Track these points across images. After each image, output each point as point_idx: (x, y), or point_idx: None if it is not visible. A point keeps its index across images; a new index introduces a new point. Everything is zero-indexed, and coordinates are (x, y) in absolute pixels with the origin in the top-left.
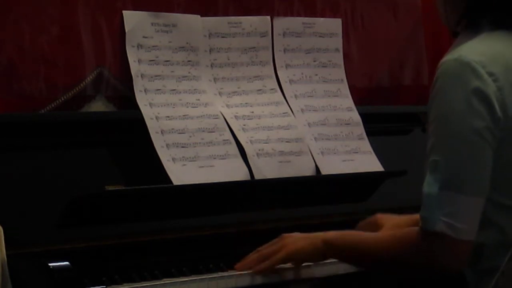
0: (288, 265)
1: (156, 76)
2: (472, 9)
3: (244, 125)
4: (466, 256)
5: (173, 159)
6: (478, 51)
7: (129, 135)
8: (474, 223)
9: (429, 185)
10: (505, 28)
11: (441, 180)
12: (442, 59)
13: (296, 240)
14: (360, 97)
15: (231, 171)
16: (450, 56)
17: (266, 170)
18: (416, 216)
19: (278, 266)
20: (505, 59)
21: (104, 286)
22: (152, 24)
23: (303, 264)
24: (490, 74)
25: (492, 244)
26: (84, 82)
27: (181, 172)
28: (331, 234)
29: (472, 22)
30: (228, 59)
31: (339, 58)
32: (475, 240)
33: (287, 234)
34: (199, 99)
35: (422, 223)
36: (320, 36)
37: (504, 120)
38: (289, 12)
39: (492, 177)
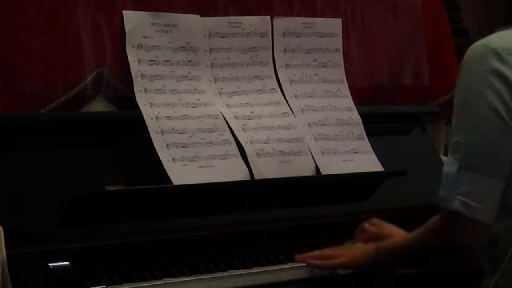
0: (288, 265)
1: (156, 76)
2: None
3: (244, 125)
4: (481, 238)
5: (173, 159)
6: (506, 39)
7: (129, 135)
8: (490, 205)
9: (449, 165)
10: None
11: (460, 159)
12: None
13: (353, 250)
14: (360, 97)
15: (231, 171)
16: (478, 42)
17: (266, 170)
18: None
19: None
20: None
21: (104, 286)
22: (152, 24)
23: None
24: None
25: (509, 232)
26: (84, 82)
27: (181, 172)
28: (382, 244)
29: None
30: (228, 59)
31: (339, 58)
32: (495, 229)
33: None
34: (199, 99)
35: (440, 201)
36: (320, 36)
37: None
38: (289, 12)
39: None
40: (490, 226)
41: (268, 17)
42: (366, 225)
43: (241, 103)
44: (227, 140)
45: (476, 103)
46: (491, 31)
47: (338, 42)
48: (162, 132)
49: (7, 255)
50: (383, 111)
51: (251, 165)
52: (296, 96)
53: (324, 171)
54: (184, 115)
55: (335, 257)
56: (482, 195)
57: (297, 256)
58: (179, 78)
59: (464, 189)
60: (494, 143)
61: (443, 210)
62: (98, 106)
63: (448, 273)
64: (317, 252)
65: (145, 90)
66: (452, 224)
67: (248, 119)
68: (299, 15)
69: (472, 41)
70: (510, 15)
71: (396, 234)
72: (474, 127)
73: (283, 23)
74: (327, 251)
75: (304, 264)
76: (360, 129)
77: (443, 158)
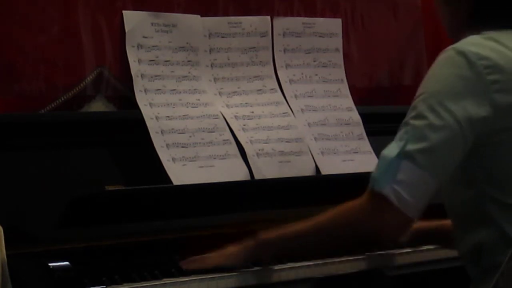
0: (288, 265)
1: (156, 76)
2: (477, 12)
3: (244, 125)
4: (401, 231)
5: (173, 159)
6: (478, 44)
7: (129, 135)
8: (420, 201)
9: (390, 149)
10: (507, 28)
11: (404, 148)
12: None
13: (230, 247)
14: (360, 97)
15: (231, 171)
16: (449, 47)
17: (266, 170)
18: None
19: (277, 267)
20: (505, 56)
21: (104, 286)
22: (152, 24)
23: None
24: (485, 67)
25: (492, 242)
26: (84, 82)
27: (181, 172)
28: (264, 234)
29: (476, 24)
30: (228, 59)
31: (339, 58)
32: (474, 238)
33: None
34: (199, 99)
35: (372, 182)
36: (320, 36)
37: (495, 117)
38: (289, 12)
39: (493, 175)
40: (412, 222)
41: (268, 17)
42: None
43: (241, 103)
44: (227, 140)
45: (435, 102)
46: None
47: (338, 42)
48: (162, 132)
49: (7, 255)
50: (383, 111)
51: (251, 165)
52: (296, 96)
53: (324, 171)
54: (184, 115)
55: (210, 257)
56: (414, 188)
57: (182, 263)
58: (179, 78)
59: (400, 177)
60: (443, 144)
61: (372, 191)
62: (98, 106)
63: (445, 273)
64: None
65: (145, 90)
66: (377, 206)
67: (248, 119)
68: (299, 15)
69: None
70: (469, 21)
71: None
72: (425, 123)
73: (283, 23)
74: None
75: (301, 264)
76: (360, 129)
77: None
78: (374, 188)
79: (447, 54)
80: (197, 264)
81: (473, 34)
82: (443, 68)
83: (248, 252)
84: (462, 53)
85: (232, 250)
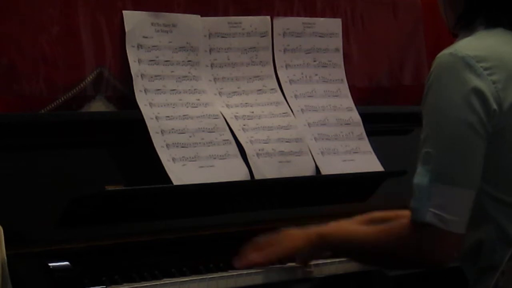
0: (288, 265)
1: (156, 76)
2: (469, 9)
3: (244, 125)
4: (455, 249)
5: (173, 159)
6: (473, 46)
7: (129, 135)
8: (464, 216)
9: (420, 176)
10: (500, 26)
11: (432, 171)
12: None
13: (292, 234)
14: (360, 97)
15: (231, 171)
16: (445, 51)
17: (266, 170)
18: (386, 224)
19: (277, 267)
20: (500, 54)
21: (104, 286)
22: (152, 24)
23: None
24: (485, 69)
25: (491, 241)
26: (84, 82)
27: (181, 172)
28: (326, 228)
29: (468, 22)
30: (228, 59)
31: (339, 58)
32: (473, 236)
33: (285, 230)
34: (199, 99)
35: (412, 214)
36: (320, 36)
37: (499, 115)
38: (289, 12)
39: (491, 173)
40: (462, 236)
41: (268, 17)
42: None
43: (241, 103)
44: (227, 140)
45: (451, 117)
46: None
47: (338, 42)
48: (162, 132)
49: (7, 255)
50: (383, 111)
51: (251, 165)
52: (296, 96)
53: (324, 171)
54: (184, 115)
55: (273, 245)
56: (455, 207)
57: (238, 263)
58: (179, 78)
59: (436, 202)
60: (467, 156)
61: (415, 223)
62: (98, 106)
63: (445, 273)
64: (250, 248)
65: (145, 90)
66: (424, 236)
67: (248, 119)
68: (299, 15)
69: None
70: (463, 18)
71: None
72: (447, 141)
73: (283, 23)
74: (261, 241)
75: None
76: (360, 129)
77: None
78: (417, 219)
79: (446, 60)
80: (266, 255)
81: (466, 32)
82: (447, 76)
83: (312, 244)
84: (461, 58)
85: (297, 240)
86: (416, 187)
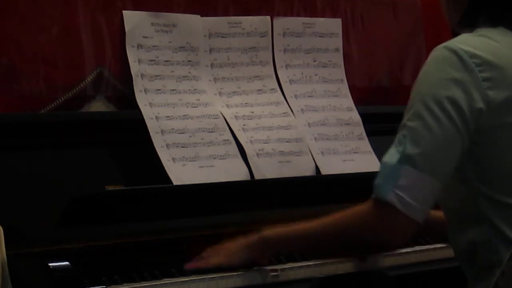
0: (288, 265)
1: (156, 76)
2: (473, 7)
3: (244, 125)
4: (407, 234)
5: (173, 159)
6: (469, 42)
7: (129, 135)
8: (425, 205)
9: (390, 156)
10: (500, 25)
11: (404, 153)
12: None
13: (231, 244)
14: (360, 97)
15: (231, 171)
16: (440, 45)
17: (266, 170)
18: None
19: (277, 267)
20: (496, 53)
21: (104, 286)
22: (152, 24)
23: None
24: (477, 65)
25: (487, 241)
26: (84, 82)
27: (181, 172)
28: (269, 230)
29: (471, 21)
30: (228, 59)
31: (339, 58)
32: (469, 236)
33: (228, 241)
34: (199, 99)
35: (375, 190)
36: (320, 36)
37: (488, 113)
38: (289, 12)
39: (485, 173)
40: (418, 224)
41: (268, 17)
42: None
43: (241, 103)
44: (227, 140)
45: (429, 103)
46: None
47: (338, 42)
48: (162, 132)
49: (7, 255)
50: (383, 111)
51: (251, 165)
52: (296, 96)
53: (324, 171)
54: (184, 115)
55: (211, 257)
56: (418, 192)
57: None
58: (179, 78)
59: (402, 183)
60: (442, 145)
61: (376, 199)
62: (98, 106)
63: (445, 273)
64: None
65: (145, 90)
66: (382, 214)
67: (248, 119)
68: (299, 15)
69: None
70: (465, 17)
71: None
72: (422, 125)
73: (283, 23)
74: (206, 252)
75: (301, 264)
76: (360, 129)
77: None
78: (378, 196)
79: (439, 53)
80: (200, 264)
81: (467, 31)
82: (436, 66)
83: (251, 250)
84: (453, 51)
85: (234, 248)
86: (383, 165)
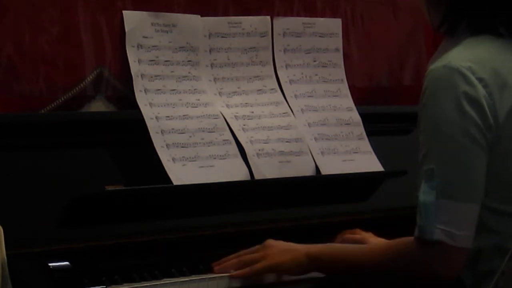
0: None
1: (156, 76)
2: (452, 12)
3: (244, 125)
4: (463, 263)
5: (173, 159)
6: (466, 57)
7: (129, 135)
8: (471, 230)
9: (425, 194)
10: (486, 32)
11: (437, 188)
12: (428, 67)
13: (279, 252)
14: (360, 97)
15: (231, 171)
16: (438, 64)
17: (266, 170)
18: (395, 240)
19: None
20: (493, 64)
21: (104, 286)
22: (152, 24)
23: None
24: (480, 80)
25: (488, 248)
26: (84, 82)
27: (181, 172)
28: (315, 248)
29: (452, 26)
30: (228, 59)
31: (339, 58)
32: (474, 245)
33: (270, 242)
34: (199, 99)
35: (419, 232)
36: (320, 36)
37: (495, 126)
38: (289, 12)
39: (488, 183)
40: (469, 249)
41: (268, 17)
42: (348, 235)
43: (241, 103)
44: (227, 140)
45: (449, 130)
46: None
47: (338, 42)
48: (162, 132)
49: (7, 255)
50: (383, 111)
51: (251, 165)
52: (296, 96)
53: (324, 171)
54: (184, 115)
55: (257, 261)
56: (462, 222)
57: (216, 268)
58: (179, 78)
59: (443, 218)
60: (470, 168)
61: (423, 240)
62: (98, 106)
63: None
64: (234, 260)
65: (145, 90)
66: (432, 253)
67: (248, 119)
68: (299, 15)
69: None
70: (446, 23)
71: None
72: (449, 155)
73: (283, 23)
74: (245, 256)
75: None
76: (360, 129)
77: None
78: (424, 237)
79: (439, 74)
80: (247, 271)
81: (451, 38)
82: (443, 88)
83: (296, 263)
84: (455, 70)
85: (283, 258)
86: (422, 205)
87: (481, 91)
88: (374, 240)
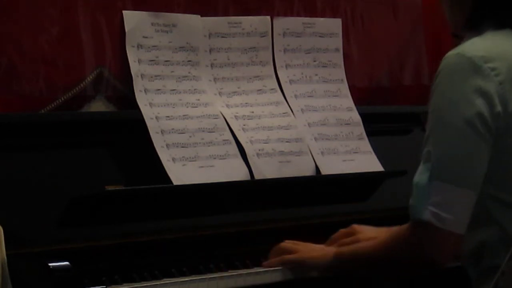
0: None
1: (156, 76)
2: (477, 9)
3: (244, 125)
4: (452, 249)
5: (173, 159)
6: (480, 47)
7: (129, 135)
8: (462, 216)
9: (420, 175)
10: (508, 27)
11: (432, 169)
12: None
13: (312, 249)
14: (360, 97)
15: (231, 171)
16: (452, 51)
17: (266, 170)
18: (395, 227)
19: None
20: (508, 55)
21: (104, 286)
22: (152, 24)
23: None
24: (492, 69)
25: (493, 242)
26: (84, 82)
27: (181, 172)
28: (343, 249)
29: (477, 23)
30: (228, 59)
31: (339, 58)
32: (476, 238)
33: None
34: (199, 99)
35: (410, 212)
36: (320, 36)
37: (504, 116)
38: (289, 12)
39: (493, 174)
40: (461, 236)
41: (268, 17)
42: (343, 233)
43: (241, 103)
44: (227, 140)
45: (450, 115)
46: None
47: (338, 42)
48: (162, 132)
49: (7, 255)
50: (383, 111)
51: (251, 165)
52: (296, 96)
53: (324, 171)
54: (184, 115)
55: (293, 251)
56: (453, 206)
57: (265, 263)
58: (179, 78)
59: (435, 200)
60: (467, 154)
61: (413, 220)
62: (98, 106)
63: (446, 273)
64: (276, 247)
65: (145, 90)
66: (423, 235)
67: (248, 119)
68: (299, 15)
69: None
70: (471, 19)
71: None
72: (447, 139)
73: (283, 23)
74: (286, 244)
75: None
76: (360, 129)
77: None
78: (414, 217)
79: (453, 61)
80: (277, 260)
81: (473, 34)
82: (452, 75)
83: (328, 261)
84: (468, 59)
85: (319, 253)
86: (415, 185)
87: (491, 79)
88: (369, 233)
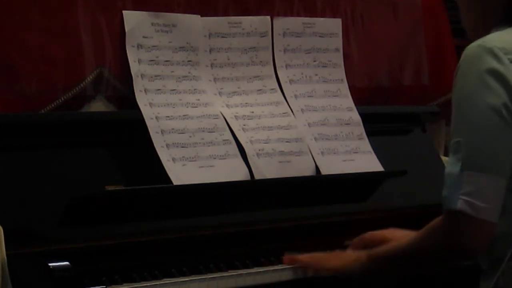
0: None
1: (156, 76)
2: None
3: (244, 125)
4: (487, 238)
5: (173, 159)
6: (502, 39)
7: (129, 135)
8: (495, 203)
9: (451, 165)
10: None
11: (462, 159)
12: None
13: (346, 256)
14: (360, 97)
15: (231, 171)
16: (474, 43)
17: (266, 170)
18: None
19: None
20: None
21: (104, 286)
22: (152, 24)
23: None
24: (511, 61)
25: (505, 232)
26: (84, 82)
27: (181, 172)
28: (376, 249)
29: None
30: (228, 59)
31: (339, 58)
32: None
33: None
34: (199, 99)
35: (443, 202)
36: (320, 36)
37: None
38: (289, 12)
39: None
40: (495, 225)
41: (268, 17)
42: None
43: (241, 103)
44: (227, 140)
45: (474, 102)
46: (486, 31)
47: (338, 42)
48: (162, 132)
49: (7, 255)
50: (383, 111)
51: (251, 165)
52: (296, 96)
53: (324, 171)
54: (184, 115)
55: (326, 261)
56: (485, 194)
57: (286, 258)
58: (179, 78)
59: (467, 189)
60: (494, 141)
61: (447, 211)
62: (98, 106)
63: (448, 273)
64: (306, 256)
65: (145, 90)
66: (457, 225)
67: (248, 119)
68: (299, 15)
69: (470, 41)
70: (505, 16)
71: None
72: (473, 126)
73: (283, 23)
74: (317, 255)
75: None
76: (360, 129)
77: (443, 158)
78: (447, 207)
79: (473, 52)
80: (316, 263)
81: (504, 27)
82: (473, 66)
83: (362, 265)
84: (488, 49)
85: (351, 259)
86: (447, 176)
87: (510, 69)
88: (397, 233)
